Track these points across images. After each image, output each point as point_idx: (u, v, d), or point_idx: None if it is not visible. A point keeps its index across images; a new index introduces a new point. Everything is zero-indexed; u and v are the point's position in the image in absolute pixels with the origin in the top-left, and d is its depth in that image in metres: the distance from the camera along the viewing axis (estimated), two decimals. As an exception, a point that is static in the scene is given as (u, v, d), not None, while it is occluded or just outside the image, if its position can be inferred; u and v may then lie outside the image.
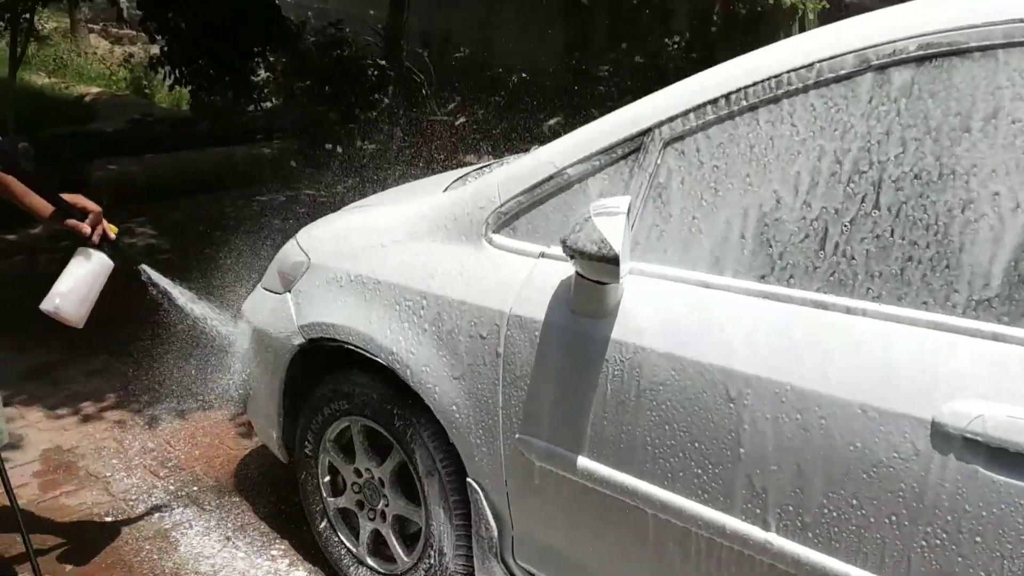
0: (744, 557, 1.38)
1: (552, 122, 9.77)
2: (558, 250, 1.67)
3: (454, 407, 1.79)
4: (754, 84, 1.45)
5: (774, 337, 1.35)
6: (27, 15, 7.35)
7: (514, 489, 1.76)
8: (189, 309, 2.29)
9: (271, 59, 9.26)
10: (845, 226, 1.32)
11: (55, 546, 2.42)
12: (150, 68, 9.15)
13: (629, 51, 9.01)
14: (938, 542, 1.18)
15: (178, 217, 5.95)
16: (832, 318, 1.32)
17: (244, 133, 8.38)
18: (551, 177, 1.70)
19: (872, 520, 1.24)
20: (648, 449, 1.49)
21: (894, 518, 1.22)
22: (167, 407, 3.32)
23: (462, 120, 9.46)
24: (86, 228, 2.00)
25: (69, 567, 2.33)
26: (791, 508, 1.32)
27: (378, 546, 2.20)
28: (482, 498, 1.82)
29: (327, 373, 2.16)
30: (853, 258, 1.31)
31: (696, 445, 1.42)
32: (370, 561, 2.19)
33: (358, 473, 2.16)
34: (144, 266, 2.18)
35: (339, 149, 9.18)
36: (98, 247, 2.03)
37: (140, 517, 2.57)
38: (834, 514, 1.28)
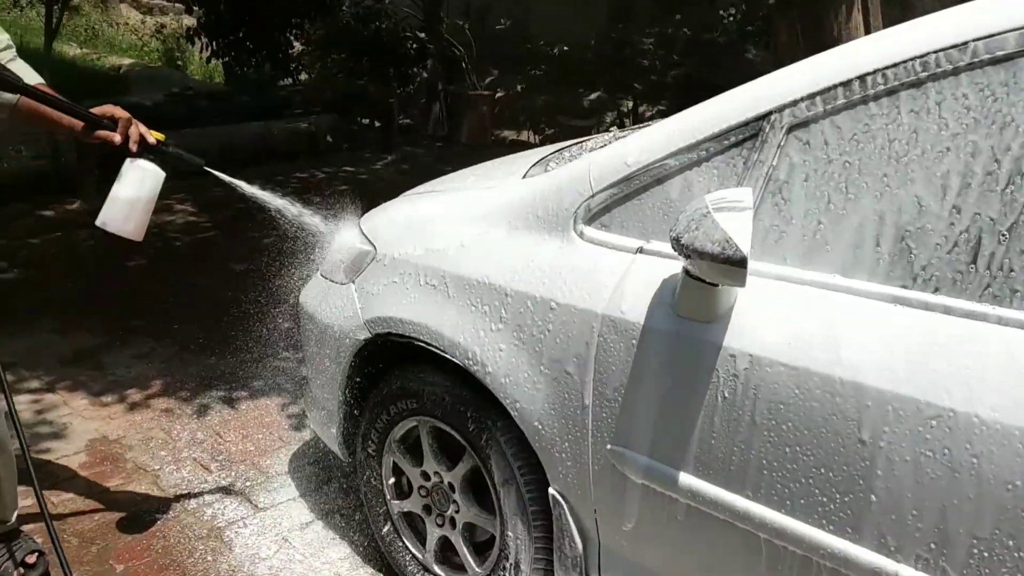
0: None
1: (593, 96, 9.54)
2: (658, 246, 1.53)
3: (538, 414, 1.66)
4: (894, 65, 1.29)
5: (916, 353, 1.20)
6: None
7: (603, 503, 1.63)
8: (270, 203, 2.24)
9: (309, 31, 9.12)
10: (1003, 235, 1.16)
11: (106, 544, 2.32)
12: (186, 40, 9.07)
13: (679, 23, 8.70)
14: None
15: (219, 194, 5.83)
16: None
17: (280, 107, 8.27)
18: (650, 167, 1.55)
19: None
20: (764, 473, 1.34)
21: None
22: (216, 396, 3.22)
23: (501, 94, 9.28)
24: (117, 137, 1.95)
25: (120, 567, 2.23)
26: (933, 546, 1.17)
27: (445, 553, 2.08)
28: (566, 511, 1.69)
29: (391, 369, 2.04)
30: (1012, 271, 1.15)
31: (822, 471, 1.27)
32: (437, 569, 2.07)
33: (426, 476, 2.03)
34: (206, 167, 2.12)
35: (376, 124, 9.05)
36: (138, 155, 1.97)
37: (192, 514, 2.47)
38: (985, 554, 1.13)
